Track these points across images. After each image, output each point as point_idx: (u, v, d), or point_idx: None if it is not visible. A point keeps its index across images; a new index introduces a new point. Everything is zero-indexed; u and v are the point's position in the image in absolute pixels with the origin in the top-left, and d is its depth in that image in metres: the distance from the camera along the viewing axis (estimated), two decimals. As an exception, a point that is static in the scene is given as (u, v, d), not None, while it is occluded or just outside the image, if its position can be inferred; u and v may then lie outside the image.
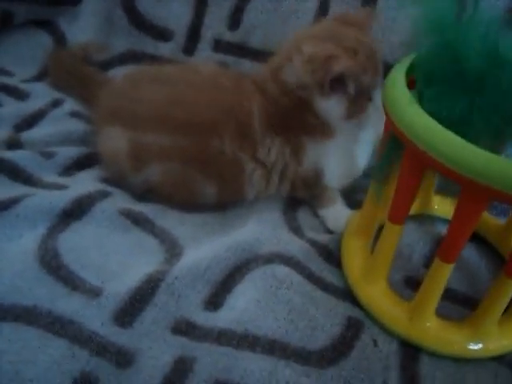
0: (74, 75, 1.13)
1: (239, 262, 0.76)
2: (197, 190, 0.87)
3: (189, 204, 0.88)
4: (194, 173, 0.86)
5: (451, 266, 0.64)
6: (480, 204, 0.57)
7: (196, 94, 0.88)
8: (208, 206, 0.89)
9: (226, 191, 0.89)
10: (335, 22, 0.88)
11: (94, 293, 0.69)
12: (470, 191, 0.56)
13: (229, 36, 1.16)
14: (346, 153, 0.90)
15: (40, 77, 1.19)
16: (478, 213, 0.58)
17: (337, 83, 0.79)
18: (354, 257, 0.78)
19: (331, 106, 0.84)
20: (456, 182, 0.56)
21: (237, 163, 0.86)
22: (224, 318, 0.69)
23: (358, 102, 0.84)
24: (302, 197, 0.92)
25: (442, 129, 0.55)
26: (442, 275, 0.65)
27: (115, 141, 0.89)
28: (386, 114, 0.64)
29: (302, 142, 0.87)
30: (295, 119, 0.85)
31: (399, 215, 0.68)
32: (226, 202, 0.90)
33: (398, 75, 0.65)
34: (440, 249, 0.64)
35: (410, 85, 0.65)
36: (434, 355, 0.69)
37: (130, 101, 0.90)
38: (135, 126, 0.87)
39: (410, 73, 0.66)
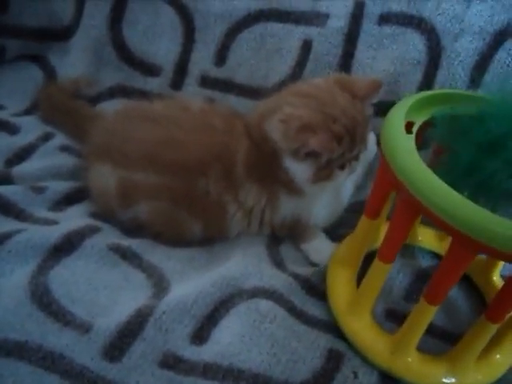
0: (64, 109, 1.15)
1: (224, 297, 0.77)
2: (183, 227, 0.89)
3: (176, 240, 0.90)
4: (181, 211, 0.88)
5: (436, 308, 0.66)
6: (470, 255, 0.58)
7: (185, 134, 0.89)
8: (195, 241, 0.91)
9: (210, 229, 0.91)
10: (333, 84, 0.86)
11: (84, 328, 0.71)
12: (461, 243, 0.57)
13: (215, 72, 1.18)
14: (325, 199, 0.91)
15: (31, 110, 1.21)
16: (466, 262, 0.60)
17: (309, 153, 0.80)
18: (340, 288, 0.80)
19: (299, 169, 0.84)
20: (448, 233, 0.58)
21: (221, 204, 0.88)
22: (210, 351, 0.71)
23: (327, 171, 0.83)
24: (283, 235, 0.95)
25: (438, 180, 0.57)
26: (426, 316, 0.67)
27: (104, 178, 0.91)
28: (384, 159, 0.65)
29: (276, 192, 0.88)
30: (271, 170, 0.86)
31: (390, 255, 0.70)
32: (212, 238, 0.92)
33: (396, 120, 0.67)
34: (426, 291, 0.65)
35: (407, 128, 0.67)
36: (413, 388, 0.71)
37: (121, 139, 0.92)
38: (124, 165, 0.89)
39: (407, 117, 0.68)
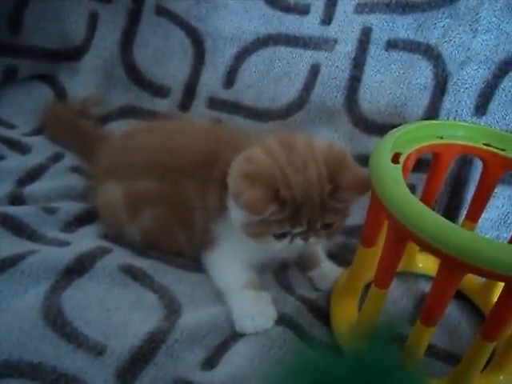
0: (70, 129, 1.17)
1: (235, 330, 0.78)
2: (174, 236, 0.90)
3: (170, 252, 0.91)
4: (172, 218, 0.88)
5: (432, 329, 0.67)
6: (457, 276, 0.61)
7: (187, 140, 0.90)
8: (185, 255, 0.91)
9: (191, 240, 0.90)
10: (324, 156, 0.77)
11: (98, 350, 0.71)
12: (448, 264, 0.60)
13: (223, 94, 1.20)
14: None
15: (41, 130, 1.23)
16: (455, 283, 0.62)
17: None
18: (342, 316, 0.81)
19: (233, 212, 0.79)
20: (435, 256, 0.60)
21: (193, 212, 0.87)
22: (219, 375, 0.71)
23: (259, 230, 0.77)
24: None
25: (424, 207, 0.60)
26: (424, 337, 0.69)
27: (112, 193, 0.92)
28: (372, 187, 0.68)
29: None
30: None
31: (384, 281, 0.72)
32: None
33: (383, 151, 0.69)
34: (421, 313, 0.67)
35: (394, 158, 0.70)
36: (417, 411, 0.72)
37: (125, 152, 0.94)
38: (129, 175, 0.90)
39: (395, 148, 0.71)
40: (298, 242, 0.78)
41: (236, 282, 0.83)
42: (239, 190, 0.73)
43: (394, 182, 0.64)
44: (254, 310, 0.79)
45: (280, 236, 0.77)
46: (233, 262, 0.86)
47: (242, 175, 0.75)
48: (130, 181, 0.90)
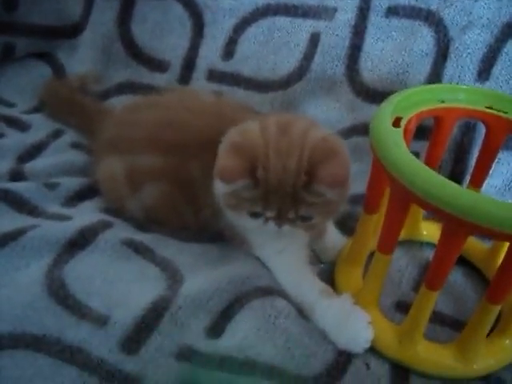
0: (69, 105, 1.16)
1: (240, 294, 0.77)
2: (180, 211, 0.89)
3: (177, 227, 0.90)
4: (177, 194, 0.88)
5: (437, 293, 0.67)
6: (461, 237, 0.61)
7: (191, 116, 0.89)
8: (191, 228, 0.90)
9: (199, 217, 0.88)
10: (308, 145, 0.74)
11: (101, 321, 0.72)
12: (451, 225, 0.60)
13: (223, 66, 1.20)
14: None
15: (40, 108, 1.22)
16: (459, 245, 0.62)
17: None
18: (347, 284, 0.81)
19: (216, 185, 0.77)
20: (438, 217, 0.60)
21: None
22: (225, 345, 0.71)
23: (234, 202, 0.75)
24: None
25: (425, 168, 0.60)
26: (429, 302, 0.68)
27: (113, 168, 0.91)
28: (373, 153, 0.68)
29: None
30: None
31: (388, 246, 0.71)
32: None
33: (383, 115, 0.69)
34: (426, 277, 0.67)
35: (395, 122, 0.69)
36: (424, 376, 0.72)
37: (127, 127, 0.93)
38: (130, 149, 0.90)
39: (395, 112, 0.71)
40: (272, 226, 0.76)
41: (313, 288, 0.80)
42: (219, 156, 0.73)
43: (396, 146, 0.64)
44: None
45: (253, 215, 0.76)
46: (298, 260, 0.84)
47: (228, 144, 0.75)
48: (132, 156, 0.90)
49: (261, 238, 0.84)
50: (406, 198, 0.64)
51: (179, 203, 0.89)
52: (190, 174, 0.86)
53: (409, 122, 0.73)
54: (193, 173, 0.86)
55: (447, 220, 0.59)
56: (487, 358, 0.73)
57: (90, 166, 1.01)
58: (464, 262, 0.90)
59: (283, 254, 0.83)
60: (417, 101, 0.76)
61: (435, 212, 0.59)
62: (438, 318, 0.80)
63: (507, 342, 0.74)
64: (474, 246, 0.90)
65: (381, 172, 0.66)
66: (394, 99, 0.73)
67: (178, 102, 0.96)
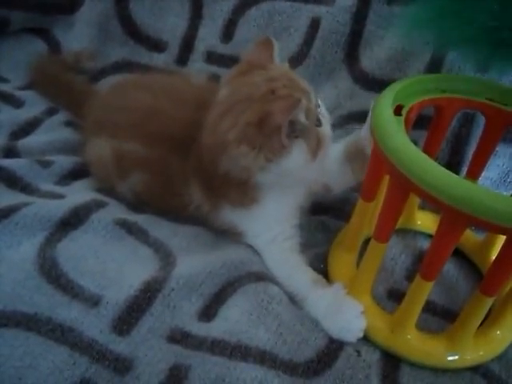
0: (57, 84, 1.15)
1: (232, 278, 0.78)
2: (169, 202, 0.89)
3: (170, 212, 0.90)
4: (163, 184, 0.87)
5: (431, 283, 0.67)
6: (459, 228, 0.60)
7: (173, 106, 0.88)
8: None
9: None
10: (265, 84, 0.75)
11: (93, 301, 0.71)
12: (450, 216, 0.59)
13: (221, 48, 1.19)
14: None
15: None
16: (456, 236, 0.61)
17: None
18: (340, 270, 0.81)
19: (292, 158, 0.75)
20: (437, 207, 0.59)
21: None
22: (217, 328, 0.72)
23: (312, 134, 0.77)
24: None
25: (426, 157, 0.59)
26: (423, 292, 0.68)
27: (101, 150, 0.90)
28: (373, 139, 0.68)
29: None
30: None
31: (384, 234, 0.71)
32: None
33: (385, 103, 0.68)
34: (421, 267, 0.67)
35: (396, 110, 0.69)
36: (414, 365, 0.72)
37: (113, 109, 0.92)
38: (116, 134, 0.89)
39: (396, 100, 0.70)
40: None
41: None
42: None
43: (397, 133, 0.63)
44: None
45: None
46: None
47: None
48: (118, 141, 0.89)
49: (254, 227, 0.84)
50: (404, 187, 0.64)
51: (164, 194, 0.88)
52: (173, 167, 0.85)
53: (410, 110, 0.72)
54: (176, 166, 0.85)
55: (445, 210, 0.59)
56: (478, 348, 0.73)
57: (80, 145, 1.00)
58: (456, 253, 0.89)
59: (275, 243, 0.83)
60: (418, 90, 0.76)
61: (434, 202, 0.58)
62: (429, 308, 0.80)
63: (498, 333, 0.75)
64: (468, 237, 0.90)
65: (380, 159, 0.66)
66: (395, 87, 0.73)
67: (164, 87, 0.94)
